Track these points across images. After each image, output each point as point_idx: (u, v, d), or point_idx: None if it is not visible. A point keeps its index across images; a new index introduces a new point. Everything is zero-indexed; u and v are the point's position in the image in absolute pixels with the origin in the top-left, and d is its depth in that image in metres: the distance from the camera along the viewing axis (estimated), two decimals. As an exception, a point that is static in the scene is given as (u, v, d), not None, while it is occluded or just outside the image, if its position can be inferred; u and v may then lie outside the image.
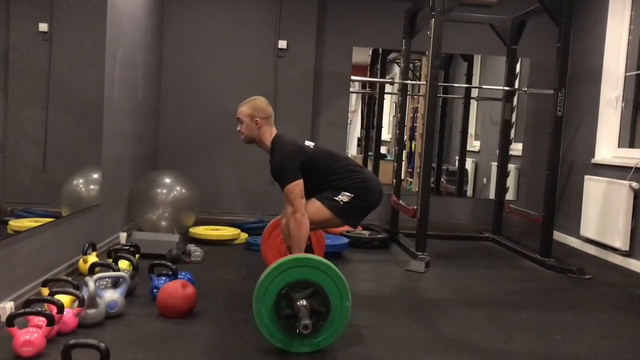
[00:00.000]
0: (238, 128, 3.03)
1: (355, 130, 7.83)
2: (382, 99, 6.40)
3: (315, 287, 2.39)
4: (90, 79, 3.60)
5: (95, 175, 3.72)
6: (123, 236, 4.22)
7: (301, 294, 2.38)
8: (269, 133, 3.01)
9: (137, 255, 3.55)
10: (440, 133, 6.43)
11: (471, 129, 6.53)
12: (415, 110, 7.06)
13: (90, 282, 2.58)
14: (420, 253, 4.18)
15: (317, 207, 2.91)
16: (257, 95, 3.09)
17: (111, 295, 2.69)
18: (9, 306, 2.53)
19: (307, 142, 3.03)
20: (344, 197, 2.92)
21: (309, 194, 2.91)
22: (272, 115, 3.04)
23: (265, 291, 2.39)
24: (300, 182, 2.85)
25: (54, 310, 2.32)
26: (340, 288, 2.43)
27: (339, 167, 2.98)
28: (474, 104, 6.50)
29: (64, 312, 2.37)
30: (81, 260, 3.35)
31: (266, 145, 3.00)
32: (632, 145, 4.94)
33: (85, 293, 2.55)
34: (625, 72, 4.93)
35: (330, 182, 2.95)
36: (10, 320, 2.24)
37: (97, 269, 3.00)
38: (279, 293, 2.38)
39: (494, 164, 5.67)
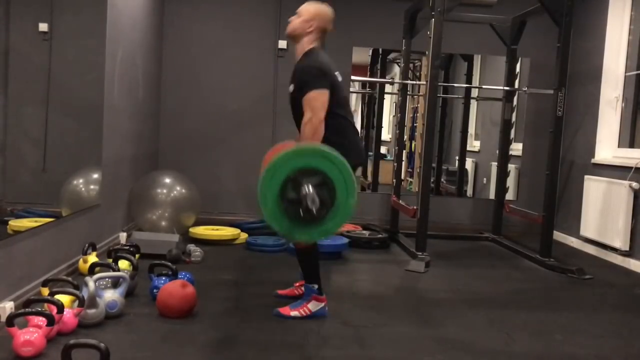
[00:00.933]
0: (292, 18, 2.92)
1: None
2: (382, 99, 6.40)
3: (323, 177, 2.34)
4: (90, 79, 3.60)
5: (95, 175, 3.72)
6: (123, 236, 4.22)
7: (309, 179, 2.33)
8: (312, 42, 2.89)
9: (137, 255, 3.55)
10: (440, 133, 6.42)
11: (471, 129, 6.53)
12: (415, 110, 7.06)
13: (90, 282, 2.58)
14: (420, 253, 4.18)
15: None
16: (327, 7, 2.98)
17: (111, 295, 2.68)
18: (9, 306, 2.53)
19: (337, 73, 2.91)
20: None
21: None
22: (327, 32, 2.94)
23: (273, 175, 2.34)
24: (327, 93, 2.73)
25: (54, 310, 2.32)
26: (348, 184, 2.38)
27: (342, 115, 2.86)
28: (474, 104, 6.50)
29: (64, 312, 2.37)
30: (81, 260, 3.35)
31: (302, 49, 2.89)
32: (632, 145, 4.94)
33: (85, 293, 2.55)
34: (625, 72, 4.93)
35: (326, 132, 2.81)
36: (10, 320, 2.24)
37: (97, 269, 3.00)
38: (287, 177, 2.33)
39: (494, 164, 5.67)
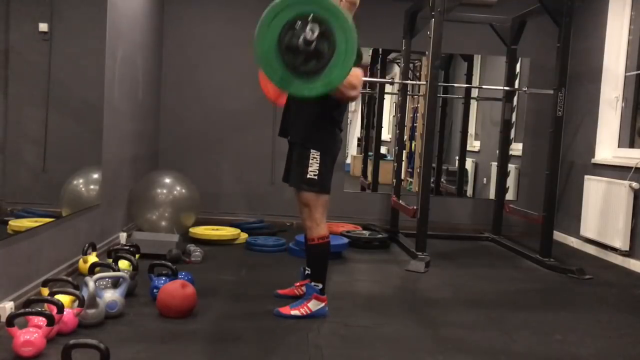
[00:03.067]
0: None
1: (355, 130, 7.84)
2: (382, 99, 6.40)
3: (327, 28, 2.27)
4: (90, 79, 3.60)
5: (95, 175, 3.72)
6: (123, 236, 4.22)
7: (312, 25, 2.25)
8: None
9: (137, 255, 3.55)
10: (440, 133, 6.42)
11: (471, 129, 6.54)
12: (415, 110, 7.06)
13: (90, 282, 2.58)
14: (420, 253, 4.18)
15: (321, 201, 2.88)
16: None
17: (111, 295, 2.68)
18: (9, 306, 2.53)
19: None
20: (314, 165, 2.80)
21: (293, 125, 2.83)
22: (356, 6, 2.89)
23: (273, 19, 2.26)
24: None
25: (54, 310, 2.32)
26: (347, 33, 2.30)
27: (331, 108, 2.84)
28: (474, 104, 6.50)
29: (64, 312, 2.37)
30: (81, 260, 3.35)
31: None
32: (632, 145, 4.94)
33: (85, 293, 2.55)
34: (625, 72, 4.93)
35: (316, 115, 2.81)
36: (10, 320, 2.24)
37: (97, 269, 3.00)
38: (289, 21, 2.26)
39: (494, 164, 5.67)
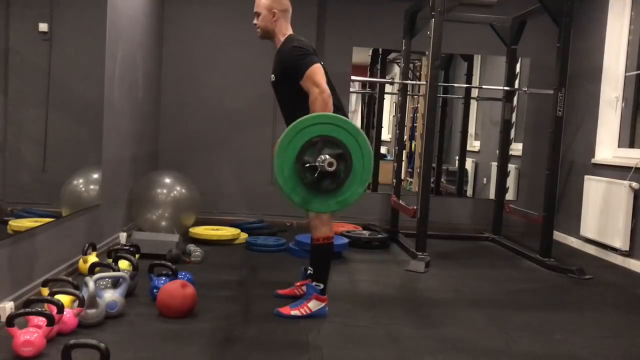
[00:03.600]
0: (254, 21, 2.92)
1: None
2: (382, 99, 6.40)
3: (339, 144, 2.34)
4: (91, 79, 3.60)
5: (95, 175, 3.72)
6: (123, 236, 4.22)
7: (325, 146, 2.33)
8: (285, 28, 2.90)
9: (137, 255, 3.55)
10: (440, 133, 6.43)
11: (471, 129, 6.53)
12: (415, 110, 7.06)
13: (90, 282, 2.58)
14: (420, 253, 4.18)
15: None
16: None
17: (111, 295, 2.68)
18: (9, 306, 2.53)
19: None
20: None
21: (288, 115, 2.81)
22: (290, 11, 2.93)
23: (289, 143, 2.33)
24: (321, 66, 2.71)
25: (54, 310, 2.32)
26: (364, 152, 2.38)
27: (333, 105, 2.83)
28: (474, 104, 6.50)
29: (64, 312, 2.37)
30: (81, 260, 3.35)
31: (279, 40, 2.89)
32: (632, 145, 4.94)
33: (85, 293, 2.55)
34: (625, 72, 4.93)
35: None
36: (10, 320, 2.24)
37: (97, 269, 3.00)
38: (303, 146, 2.32)
39: (494, 164, 5.67)
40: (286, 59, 2.81)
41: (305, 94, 2.72)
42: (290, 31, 2.92)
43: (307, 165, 2.33)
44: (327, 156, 2.32)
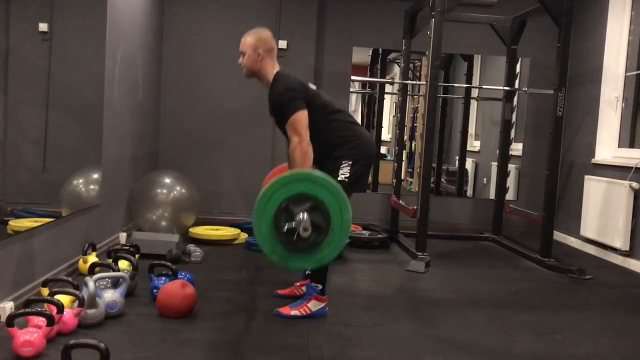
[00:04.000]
0: (240, 60, 2.95)
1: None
2: (382, 99, 6.40)
3: (314, 201, 2.33)
4: (90, 79, 3.60)
5: (95, 175, 3.72)
6: (123, 236, 4.22)
7: (301, 207, 2.33)
8: (272, 67, 2.91)
9: (137, 255, 3.55)
10: (440, 133, 6.42)
11: (471, 129, 6.53)
12: (415, 110, 7.06)
13: (90, 282, 2.58)
14: (420, 253, 4.18)
15: None
16: (261, 28, 2.98)
17: (111, 295, 2.68)
18: (9, 306, 2.53)
19: (310, 84, 2.93)
20: (345, 170, 2.82)
21: None
22: (275, 50, 2.94)
23: (265, 207, 2.33)
24: (306, 112, 2.73)
25: (54, 310, 2.32)
26: (340, 201, 2.36)
27: (337, 119, 2.89)
28: (474, 104, 6.50)
29: (64, 312, 2.37)
30: (81, 260, 3.35)
31: (267, 80, 2.90)
32: (632, 145, 4.94)
33: (85, 293, 2.55)
34: (625, 72, 4.92)
35: (326, 142, 2.83)
36: (10, 320, 2.24)
37: (97, 269, 3.00)
38: (279, 208, 2.32)
39: (494, 164, 5.67)
40: (276, 102, 2.83)
41: (310, 114, 2.75)
42: (277, 68, 2.93)
43: (285, 229, 2.34)
44: (305, 216, 2.32)
